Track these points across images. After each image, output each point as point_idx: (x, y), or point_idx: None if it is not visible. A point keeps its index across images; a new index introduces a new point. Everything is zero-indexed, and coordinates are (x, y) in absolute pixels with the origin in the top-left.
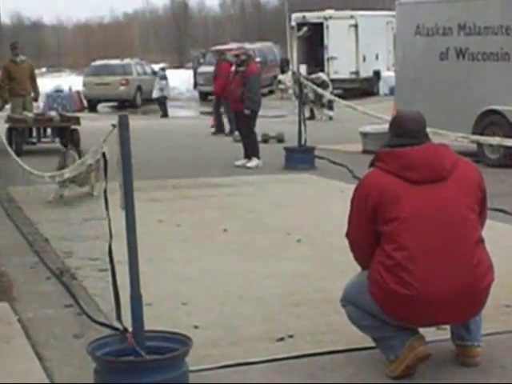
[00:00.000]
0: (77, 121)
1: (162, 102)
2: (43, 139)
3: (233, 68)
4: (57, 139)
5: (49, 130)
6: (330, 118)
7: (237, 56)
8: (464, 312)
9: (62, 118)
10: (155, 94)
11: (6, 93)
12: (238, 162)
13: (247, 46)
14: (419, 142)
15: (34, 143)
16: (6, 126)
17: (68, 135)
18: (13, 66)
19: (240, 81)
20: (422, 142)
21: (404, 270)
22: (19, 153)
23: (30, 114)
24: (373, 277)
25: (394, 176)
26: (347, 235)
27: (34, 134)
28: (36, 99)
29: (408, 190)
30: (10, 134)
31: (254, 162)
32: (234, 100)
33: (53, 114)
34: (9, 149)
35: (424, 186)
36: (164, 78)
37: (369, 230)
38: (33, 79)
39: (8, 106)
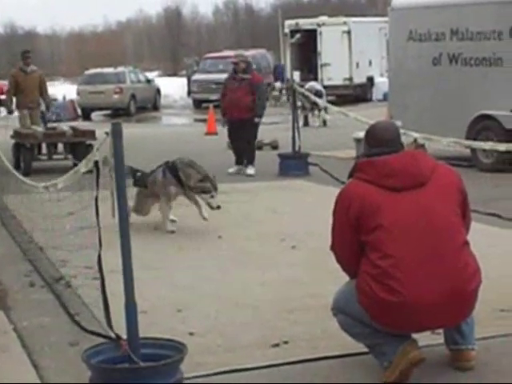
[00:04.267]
0: (92, 135)
1: None
2: (55, 156)
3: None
4: (70, 156)
5: (60, 146)
6: (324, 123)
7: (236, 64)
8: (453, 316)
9: (76, 133)
10: None
11: (12, 103)
12: (232, 170)
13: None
14: (396, 149)
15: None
16: (13, 141)
17: (83, 151)
18: (21, 75)
19: (247, 89)
20: (398, 150)
21: (390, 277)
22: (28, 172)
23: (40, 129)
24: (360, 286)
25: (374, 185)
26: (332, 248)
27: (44, 150)
28: (47, 109)
29: (388, 197)
30: (18, 151)
31: (253, 169)
32: (240, 108)
33: (65, 128)
34: (6, 162)
35: (404, 193)
36: None
37: (353, 240)
38: (44, 91)
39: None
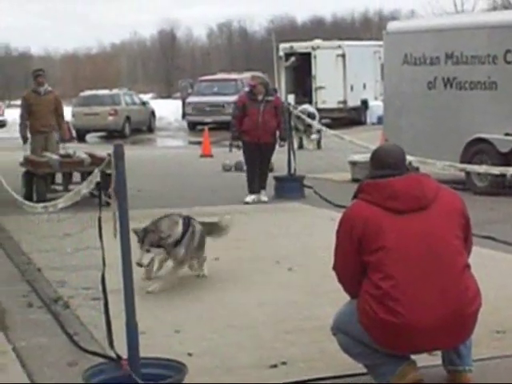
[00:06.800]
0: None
1: None
2: (71, 186)
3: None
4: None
5: (77, 174)
6: (319, 146)
7: (253, 86)
8: (453, 338)
9: (94, 160)
10: None
11: (26, 129)
12: (249, 199)
13: (235, 75)
14: (400, 172)
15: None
16: (23, 169)
17: (102, 181)
18: (34, 97)
19: (273, 111)
20: (403, 173)
21: (392, 299)
22: None
23: (55, 156)
24: (361, 307)
25: (378, 206)
26: (334, 268)
27: (58, 179)
28: (63, 139)
29: (392, 219)
30: (30, 180)
31: (266, 195)
32: (267, 132)
33: (83, 155)
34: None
35: (407, 216)
36: None
37: (355, 260)
38: (59, 114)
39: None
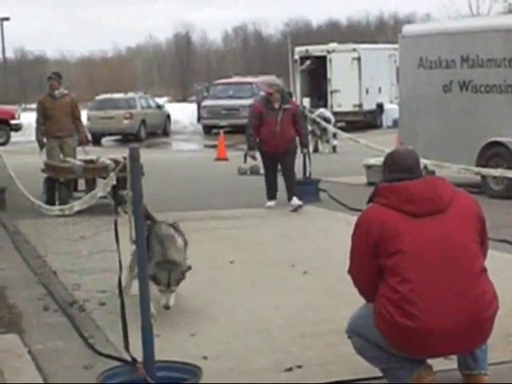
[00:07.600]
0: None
1: None
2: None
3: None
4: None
5: (100, 180)
6: (334, 149)
7: (270, 94)
8: (470, 342)
9: (118, 166)
10: None
11: (42, 134)
12: (271, 203)
13: (250, 79)
14: (416, 176)
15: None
16: (44, 175)
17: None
18: (49, 101)
19: (290, 119)
20: (418, 177)
21: (409, 302)
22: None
23: (78, 162)
24: (378, 310)
25: (394, 210)
26: (349, 271)
27: (81, 185)
28: (81, 143)
29: (408, 223)
30: (52, 187)
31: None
32: (285, 140)
33: (106, 161)
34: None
35: (424, 219)
36: None
37: (371, 264)
38: (76, 118)
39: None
